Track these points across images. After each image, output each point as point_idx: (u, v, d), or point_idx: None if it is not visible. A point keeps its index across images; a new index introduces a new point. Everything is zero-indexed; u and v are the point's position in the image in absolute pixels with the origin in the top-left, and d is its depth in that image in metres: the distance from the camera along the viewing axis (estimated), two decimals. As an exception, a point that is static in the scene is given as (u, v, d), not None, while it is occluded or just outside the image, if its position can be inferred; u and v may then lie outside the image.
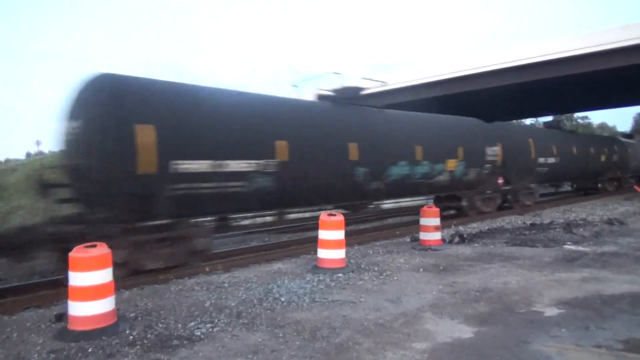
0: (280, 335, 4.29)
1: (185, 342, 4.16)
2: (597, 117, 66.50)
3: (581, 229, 10.40)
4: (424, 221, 8.91)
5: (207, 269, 7.50)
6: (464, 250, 8.43)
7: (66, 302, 4.52)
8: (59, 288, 6.39)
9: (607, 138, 27.93)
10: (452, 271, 6.73)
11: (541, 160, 17.16)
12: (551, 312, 4.78)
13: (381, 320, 4.64)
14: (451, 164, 12.60)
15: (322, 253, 6.98)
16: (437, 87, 21.61)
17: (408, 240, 9.77)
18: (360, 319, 4.69)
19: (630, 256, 7.37)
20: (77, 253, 4.38)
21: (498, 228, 11.35)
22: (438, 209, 8.97)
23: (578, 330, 4.22)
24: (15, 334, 4.50)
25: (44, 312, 5.38)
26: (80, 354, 3.93)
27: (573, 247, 8.32)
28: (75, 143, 7.10)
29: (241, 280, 6.50)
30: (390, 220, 15.31)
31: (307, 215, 15.94)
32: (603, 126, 67.60)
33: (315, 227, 7.26)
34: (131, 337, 4.27)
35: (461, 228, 11.20)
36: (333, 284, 6.15)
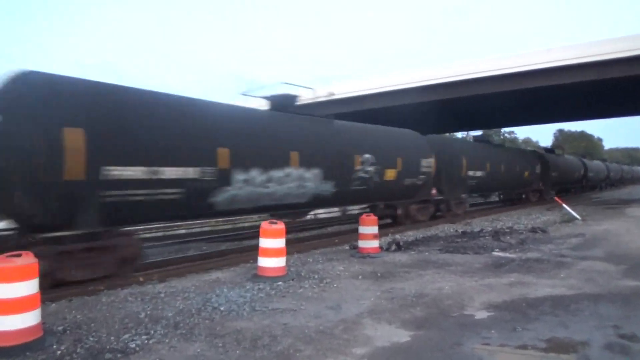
0: (220, 345, 4.21)
1: (119, 355, 3.98)
2: (522, 132, 71.06)
3: (508, 237, 11.03)
4: (362, 229, 9.09)
5: (141, 279, 7.21)
6: (401, 257, 8.69)
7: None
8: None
9: (531, 152, 29.61)
10: (389, 278, 6.91)
11: (471, 173, 17.83)
12: (481, 315, 5.03)
13: (321, 327, 4.68)
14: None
15: (263, 261, 6.93)
16: (375, 99, 22.40)
17: (347, 248, 9.92)
18: (300, 326, 4.71)
19: (551, 262, 7.91)
20: (-1, 264, 3.85)
21: (432, 236, 11.79)
22: (376, 218, 9.19)
23: (506, 331, 4.48)
24: None
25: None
26: (1, 372, 3.66)
27: (501, 254, 8.80)
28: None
29: (178, 290, 6.31)
30: (329, 229, 15.46)
31: (246, 224, 15.80)
32: (527, 141, 72.32)
33: (254, 236, 7.20)
34: (59, 352, 4.02)
35: (398, 236, 11.52)
36: (273, 292, 6.12)
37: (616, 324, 4.60)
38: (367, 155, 11.91)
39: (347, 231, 13.36)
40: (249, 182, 8.97)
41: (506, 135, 69.15)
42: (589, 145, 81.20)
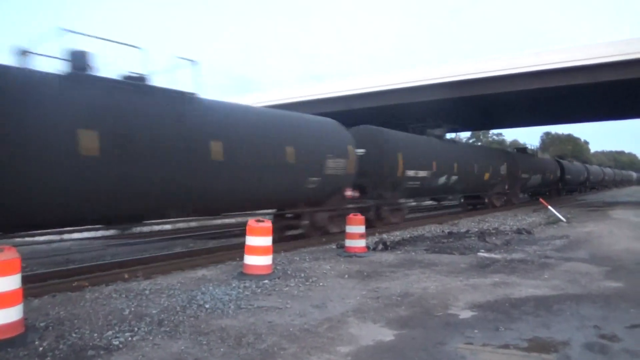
0: (204, 342, 4.20)
1: (101, 352, 3.95)
2: (509, 134, 71.75)
3: (493, 238, 11.13)
4: (349, 229, 9.11)
5: (126, 276, 7.17)
6: (387, 257, 8.72)
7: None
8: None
9: (496, 151, 26.82)
10: (375, 277, 6.94)
11: (410, 173, 14.96)
12: (465, 314, 5.08)
13: (306, 325, 4.69)
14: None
15: (249, 259, 6.92)
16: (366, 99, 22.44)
17: (334, 247, 9.94)
18: (286, 324, 4.71)
19: (535, 263, 8.00)
20: (-21, 259, 3.78)
21: (419, 236, 11.86)
22: (363, 217, 9.22)
23: (489, 331, 4.52)
24: None
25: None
26: (-20, 368, 3.62)
27: (486, 255, 8.88)
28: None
29: (163, 287, 6.28)
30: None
31: (233, 221, 15.72)
32: (515, 143, 72.74)
33: (241, 233, 7.19)
34: (41, 349, 3.98)
35: (385, 236, 11.57)
36: (259, 290, 6.11)
37: (597, 324, 4.66)
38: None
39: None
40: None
41: (494, 137, 69.78)
42: (575, 147, 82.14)
